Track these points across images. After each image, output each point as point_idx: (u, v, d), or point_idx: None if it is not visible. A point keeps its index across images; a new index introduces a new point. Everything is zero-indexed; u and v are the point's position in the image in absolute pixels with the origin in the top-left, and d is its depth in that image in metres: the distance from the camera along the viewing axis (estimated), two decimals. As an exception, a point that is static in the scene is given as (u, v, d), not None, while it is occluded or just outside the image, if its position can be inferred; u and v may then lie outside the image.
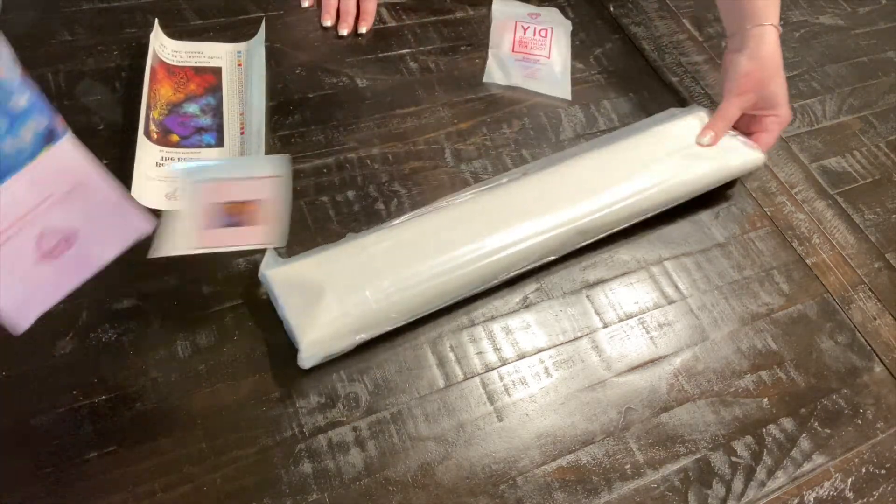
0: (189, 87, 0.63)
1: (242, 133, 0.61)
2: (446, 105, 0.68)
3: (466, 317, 0.54)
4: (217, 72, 0.64)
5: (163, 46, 0.64)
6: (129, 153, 0.56)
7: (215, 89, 0.63)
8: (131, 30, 0.66)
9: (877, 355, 0.58)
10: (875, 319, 0.60)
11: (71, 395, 0.46)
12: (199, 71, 0.64)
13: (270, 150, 0.59)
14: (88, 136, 0.58)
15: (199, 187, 0.45)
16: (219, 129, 0.61)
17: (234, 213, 0.46)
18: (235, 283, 0.53)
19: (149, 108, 0.59)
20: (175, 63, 0.64)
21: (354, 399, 0.49)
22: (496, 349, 0.53)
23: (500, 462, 0.48)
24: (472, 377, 0.52)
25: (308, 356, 0.48)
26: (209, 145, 0.59)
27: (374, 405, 0.49)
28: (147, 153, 0.57)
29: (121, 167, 0.57)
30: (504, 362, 0.53)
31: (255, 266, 0.53)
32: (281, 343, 0.50)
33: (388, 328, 0.51)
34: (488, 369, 0.52)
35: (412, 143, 0.64)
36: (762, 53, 0.64)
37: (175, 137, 0.59)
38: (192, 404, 0.47)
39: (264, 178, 0.46)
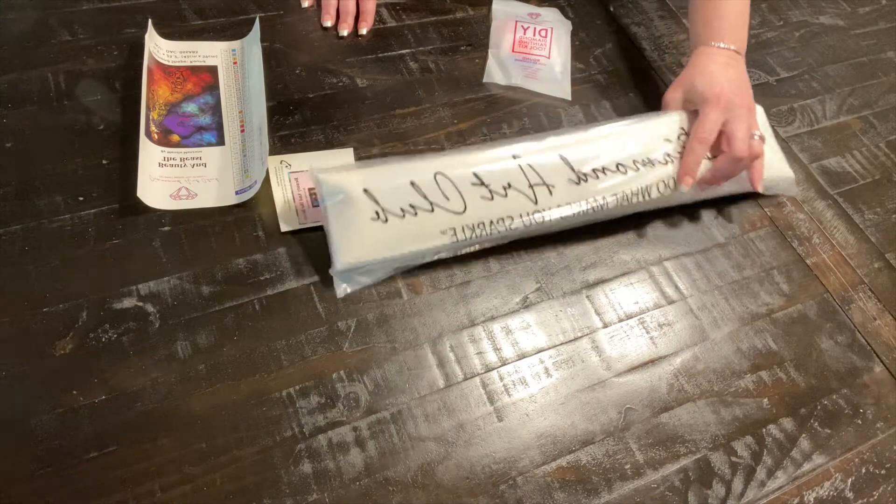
0: (186, 87, 0.63)
1: (243, 131, 0.61)
2: (446, 105, 0.68)
3: (466, 317, 0.54)
4: (213, 70, 0.64)
5: (157, 47, 0.64)
6: (130, 153, 0.56)
7: (212, 88, 0.63)
8: (131, 30, 0.66)
9: (877, 355, 0.58)
10: (875, 319, 0.60)
11: (71, 395, 0.46)
12: (195, 70, 0.64)
13: (271, 149, 0.59)
14: (88, 136, 0.58)
15: (292, 177, 0.58)
16: (219, 128, 0.61)
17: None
18: (235, 282, 0.53)
19: (148, 108, 0.59)
20: (170, 63, 0.64)
21: (354, 399, 0.49)
22: (496, 349, 0.53)
23: (500, 462, 0.48)
24: (472, 377, 0.52)
25: (341, 262, 0.52)
26: (210, 144, 0.59)
27: (374, 405, 0.49)
28: (149, 154, 0.57)
29: (121, 167, 0.57)
30: (504, 362, 0.53)
31: (256, 266, 0.54)
32: (280, 343, 0.50)
33: (418, 249, 0.53)
34: (488, 369, 0.52)
35: (412, 143, 0.64)
36: (693, 62, 0.64)
37: (176, 137, 0.59)
38: (192, 404, 0.47)
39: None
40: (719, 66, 0.63)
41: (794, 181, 0.66)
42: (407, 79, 0.69)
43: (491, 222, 0.54)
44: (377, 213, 0.52)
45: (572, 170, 0.57)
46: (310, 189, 0.58)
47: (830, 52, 0.83)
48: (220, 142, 0.60)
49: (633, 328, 0.56)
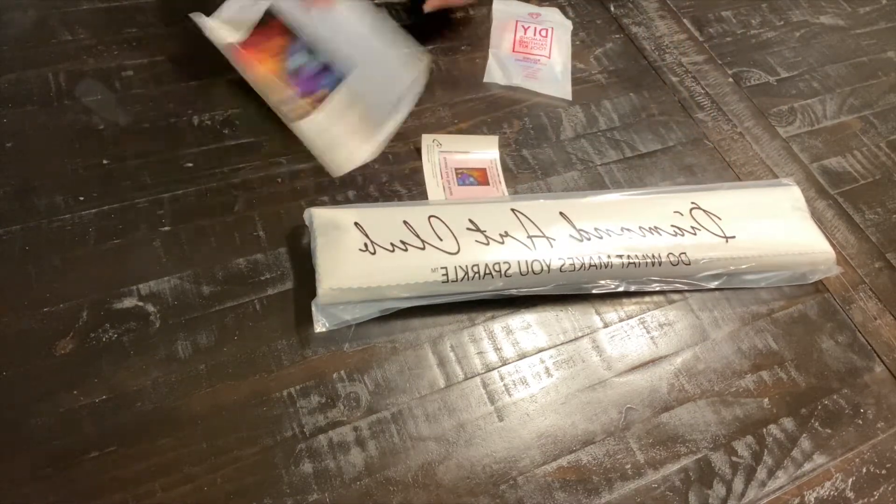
0: (273, 45, 0.59)
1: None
2: (446, 105, 0.68)
3: (467, 316, 0.54)
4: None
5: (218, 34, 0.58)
6: (130, 153, 0.56)
7: (289, 32, 0.60)
8: (131, 30, 0.66)
9: (877, 355, 0.58)
10: (875, 319, 0.60)
11: (71, 395, 0.46)
12: (260, 27, 0.59)
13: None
14: (88, 136, 0.58)
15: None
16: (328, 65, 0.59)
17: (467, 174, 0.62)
18: (236, 282, 0.53)
19: (273, 94, 0.57)
20: (240, 40, 0.59)
21: (355, 399, 0.49)
22: (497, 349, 0.53)
23: (500, 462, 0.48)
24: (472, 377, 0.52)
25: (324, 288, 0.50)
26: (340, 80, 0.58)
27: (375, 405, 0.49)
28: (325, 124, 0.57)
29: (121, 167, 0.57)
30: (504, 362, 0.53)
31: (256, 266, 0.54)
32: (281, 343, 0.50)
33: (403, 295, 0.51)
34: (489, 369, 0.52)
35: (413, 143, 0.64)
36: None
37: (323, 92, 0.58)
38: (193, 404, 0.47)
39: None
40: None
41: (835, 260, 0.60)
42: (407, 79, 0.69)
43: (486, 265, 0.52)
44: (366, 245, 0.52)
45: (573, 227, 0.56)
46: (456, 169, 0.62)
47: (831, 52, 0.83)
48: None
49: (634, 328, 0.56)
